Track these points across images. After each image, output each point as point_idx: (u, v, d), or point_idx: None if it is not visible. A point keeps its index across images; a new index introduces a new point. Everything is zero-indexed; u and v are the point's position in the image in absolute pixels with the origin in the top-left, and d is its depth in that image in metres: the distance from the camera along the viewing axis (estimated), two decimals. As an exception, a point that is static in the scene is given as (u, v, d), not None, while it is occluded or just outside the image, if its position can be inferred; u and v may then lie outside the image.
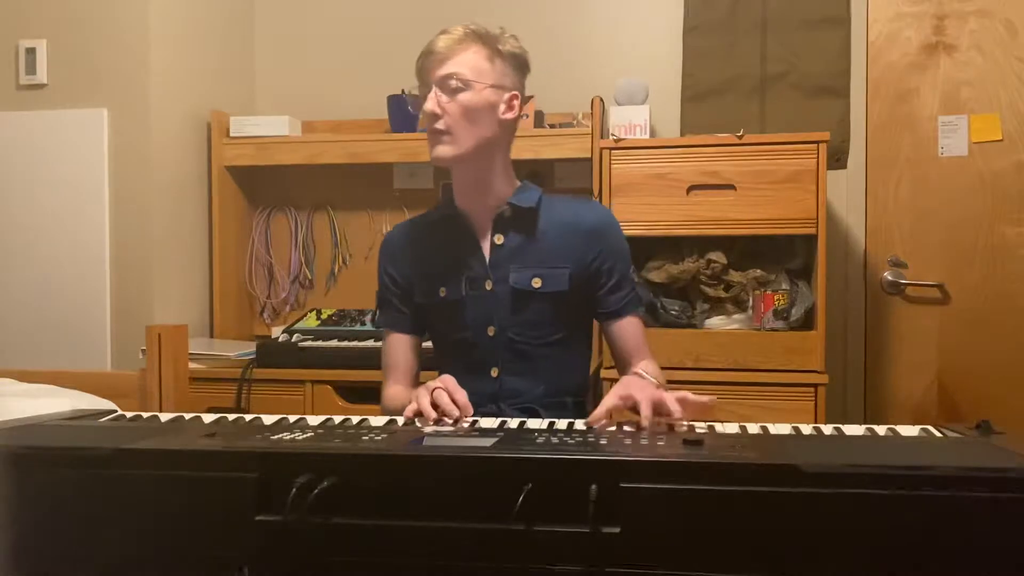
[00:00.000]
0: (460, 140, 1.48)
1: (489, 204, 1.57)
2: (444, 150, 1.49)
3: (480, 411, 1.41)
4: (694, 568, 0.86)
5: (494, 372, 1.57)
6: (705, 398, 1.24)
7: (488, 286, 1.56)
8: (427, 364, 1.68)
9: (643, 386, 1.27)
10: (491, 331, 1.56)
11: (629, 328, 1.60)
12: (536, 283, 1.54)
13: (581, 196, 1.65)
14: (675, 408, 1.19)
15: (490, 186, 1.56)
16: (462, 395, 1.28)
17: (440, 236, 1.61)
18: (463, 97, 1.47)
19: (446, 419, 1.25)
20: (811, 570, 0.86)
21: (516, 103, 1.53)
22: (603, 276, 1.57)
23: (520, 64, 1.55)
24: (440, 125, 1.48)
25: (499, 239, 1.56)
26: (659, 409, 1.21)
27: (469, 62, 1.48)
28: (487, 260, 1.56)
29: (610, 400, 1.24)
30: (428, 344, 1.70)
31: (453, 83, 1.47)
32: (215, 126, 2.78)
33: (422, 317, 1.64)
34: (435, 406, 1.27)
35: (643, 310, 1.68)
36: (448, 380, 1.32)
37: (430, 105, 1.48)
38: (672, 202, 2.37)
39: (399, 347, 1.65)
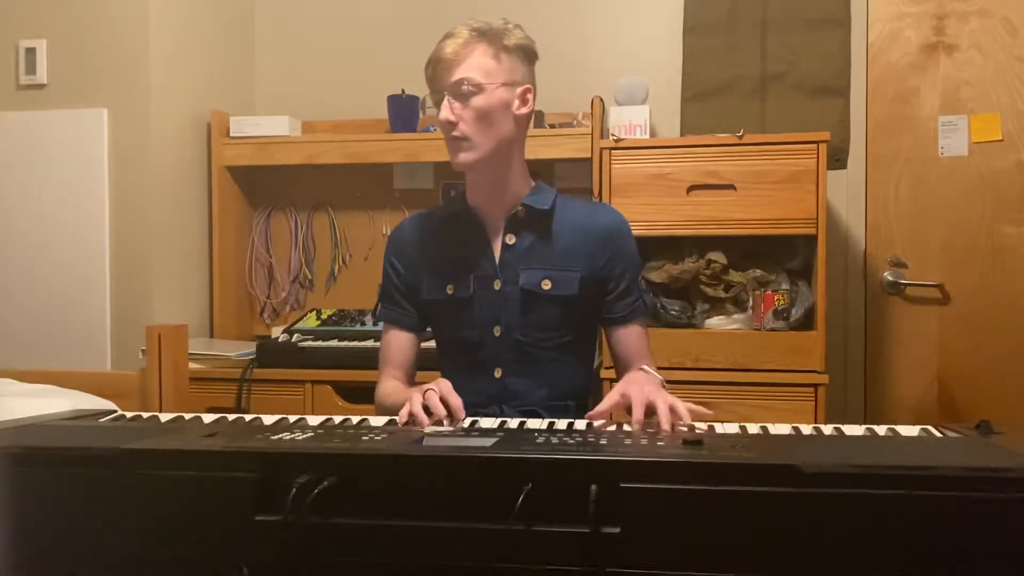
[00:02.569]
0: (479, 144, 1.48)
1: (504, 203, 1.56)
2: (466, 156, 1.48)
3: (482, 412, 1.40)
4: (694, 568, 0.86)
5: (497, 373, 1.56)
6: (704, 415, 1.21)
7: (496, 286, 1.55)
8: (427, 364, 1.67)
9: (643, 385, 1.27)
10: (497, 331, 1.55)
11: (633, 335, 1.60)
12: (546, 285, 1.53)
13: (595, 200, 1.62)
14: (664, 416, 1.19)
15: (507, 185, 1.55)
16: (455, 399, 1.27)
17: (450, 233, 1.60)
18: (476, 101, 1.46)
19: (443, 422, 1.24)
20: (811, 570, 0.86)
21: (529, 96, 1.53)
22: (612, 282, 1.57)
23: (528, 55, 1.54)
24: (457, 133, 1.47)
25: (511, 239, 1.55)
26: (651, 412, 1.21)
27: (477, 64, 1.47)
28: (497, 260, 1.55)
29: (613, 397, 1.26)
30: (428, 344, 1.69)
31: (465, 88, 1.46)
32: (215, 126, 2.78)
33: (424, 314, 1.63)
34: (426, 409, 1.26)
35: (648, 318, 1.66)
36: (443, 383, 1.30)
37: (444, 114, 1.47)
38: (672, 202, 2.37)
39: (397, 343, 1.63)
